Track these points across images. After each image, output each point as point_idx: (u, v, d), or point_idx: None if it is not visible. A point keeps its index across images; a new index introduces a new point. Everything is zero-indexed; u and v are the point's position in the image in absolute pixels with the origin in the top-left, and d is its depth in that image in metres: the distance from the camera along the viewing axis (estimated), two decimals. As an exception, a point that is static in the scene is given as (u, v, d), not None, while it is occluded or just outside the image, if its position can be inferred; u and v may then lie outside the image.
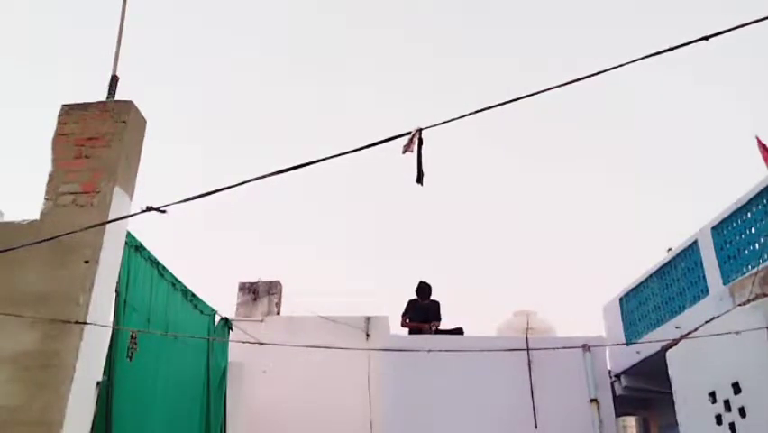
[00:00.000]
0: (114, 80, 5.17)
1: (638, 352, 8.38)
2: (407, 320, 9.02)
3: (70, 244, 4.37)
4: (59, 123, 4.96)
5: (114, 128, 4.89)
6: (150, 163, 5.24)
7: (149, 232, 5.48)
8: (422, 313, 9.02)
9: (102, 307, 4.54)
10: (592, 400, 7.90)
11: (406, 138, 3.03)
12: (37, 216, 4.64)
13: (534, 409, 7.82)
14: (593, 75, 2.75)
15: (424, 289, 9.15)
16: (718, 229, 6.83)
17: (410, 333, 8.99)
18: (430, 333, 8.76)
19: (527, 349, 8.04)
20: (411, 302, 9.19)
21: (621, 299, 9.22)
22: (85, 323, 4.29)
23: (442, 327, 9.06)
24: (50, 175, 4.77)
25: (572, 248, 20.74)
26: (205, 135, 24.20)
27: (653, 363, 7.57)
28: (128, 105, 5.02)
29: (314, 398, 8.69)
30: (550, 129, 21.99)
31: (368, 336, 9.38)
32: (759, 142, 6.59)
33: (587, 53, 18.20)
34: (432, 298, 9.22)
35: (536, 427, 7.73)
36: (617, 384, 9.06)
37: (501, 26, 23.19)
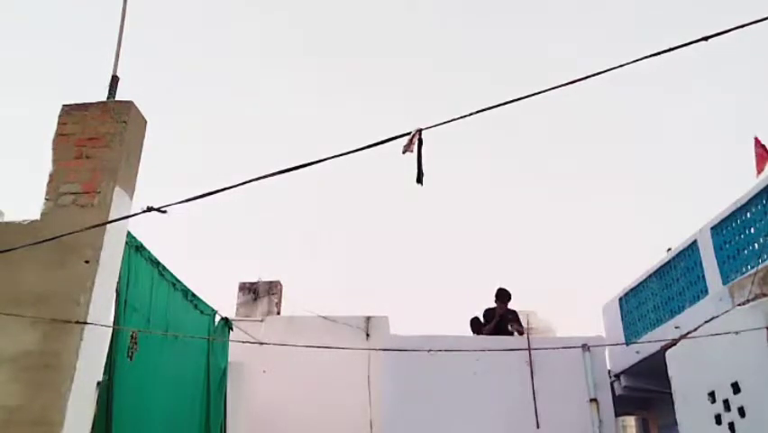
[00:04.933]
0: (114, 80, 5.17)
1: (638, 352, 8.38)
2: (488, 327, 8.83)
3: (71, 244, 4.37)
4: (60, 123, 4.96)
5: (114, 128, 4.89)
6: (150, 163, 5.25)
7: (149, 232, 5.49)
8: (501, 321, 8.91)
9: (102, 307, 4.54)
10: (592, 400, 7.90)
11: (407, 138, 3.03)
12: (37, 216, 4.63)
13: (535, 410, 7.82)
14: (593, 75, 2.76)
15: (505, 294, 9.02)
16: (718, 229, 6.83)
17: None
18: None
19: (528, 349, 8.04)
20: (490, 310, 9.04)
21: (621, 299, 9.21)
22: (85, 323, 4.29)
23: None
24: (50, 175, 4.77)
25: (572, 248, 20.75)
26: (205, 135, 24.19)
27: (653, 363, 7.57)
28: (128, 105, 5.02)
29: (314, 398, 8.69)
30: (550, 129, 21.99)
31: (368, 335, 9.39)
32: (757, 142, 6.60)
33: (587, 54, 18.21)
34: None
35: (538, 426, 7.73)
36: (616, 384, 9.05)
37: (504, 27, 23.19)
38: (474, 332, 9.01)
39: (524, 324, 9.23)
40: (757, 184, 6.21)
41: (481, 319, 9.08)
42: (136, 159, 5.07)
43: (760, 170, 6.41)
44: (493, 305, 9.12)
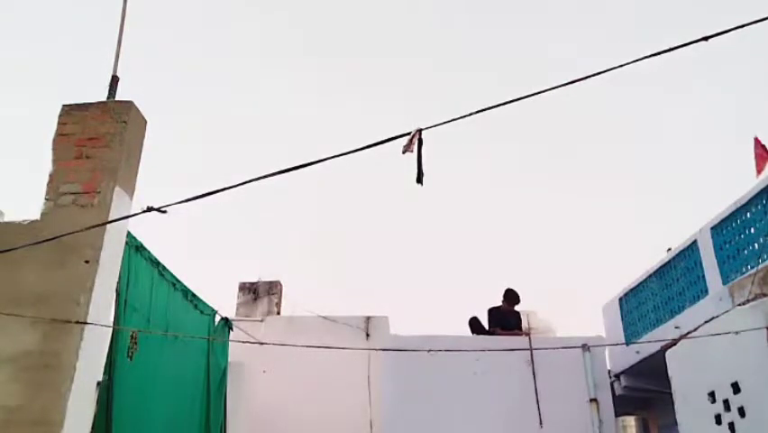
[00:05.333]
0: (114, 80, 5.17)
1: (638, 352, 8.38)
2: (499, 329, 8.81)
3: (71, 244, 4.37)
4: (60, 123, 4.96)
5: (114, 128, 4.89)
6: (150, 163, 5.25)
7: (149, 232, 5.49)
8: (505, 321, 8.92)
9: (102, 307, 4.54)
10: (592, 400, 7.90)
11: (407, 138, 3.04)
12: (37, 216, 4.64)
13: (538, 409, 7.83)
14: (593, 75, 2.76)
15: (514, 295, 9.04)
16: (718, 229, 6.83)
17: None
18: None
19: (529, 349, 8.05)
20: (495, 309, 9.07)
21: (621, 299, 9.21)
22: (85, 323, 4.30)
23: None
24: (50, 175, 4.77)
25: (572, 248, 20.75)
26: (205, 135, 24.20)
27: (653, 363, 7.57)
28: (128, 105, 5.03)
29: (314, 398, 8.69)
30: (550, 129, 22.00)
31: (368, 335, 9.39)
32: (757, 142, 6.59)
33: (587, 54, 18.21)
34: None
35: (541, 426, 7.74)
36: (616, 384, 9.06)
37: (504, 27, 23.19)
38: (474, 332, 9.02)
39: (524, 324, 9.23)
40: (757, 184, 6.21)
41: (480, 319, 9.08)
42: (136, 159, 5.07)
43: (760, 170, 6.41)
44: (496, 303, 9.14)
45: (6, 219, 4.96)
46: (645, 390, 8.90)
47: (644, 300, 8.61)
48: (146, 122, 5.19)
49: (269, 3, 22.49)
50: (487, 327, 9.01)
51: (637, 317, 8.74)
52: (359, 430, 8.61)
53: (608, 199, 22.33)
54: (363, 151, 3.01)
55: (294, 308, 10.18)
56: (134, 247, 5.39)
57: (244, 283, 10.68)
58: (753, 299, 5.55)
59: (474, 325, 9.04)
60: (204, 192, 3.29)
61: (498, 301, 9.16)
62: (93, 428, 4.42)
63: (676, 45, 2.60)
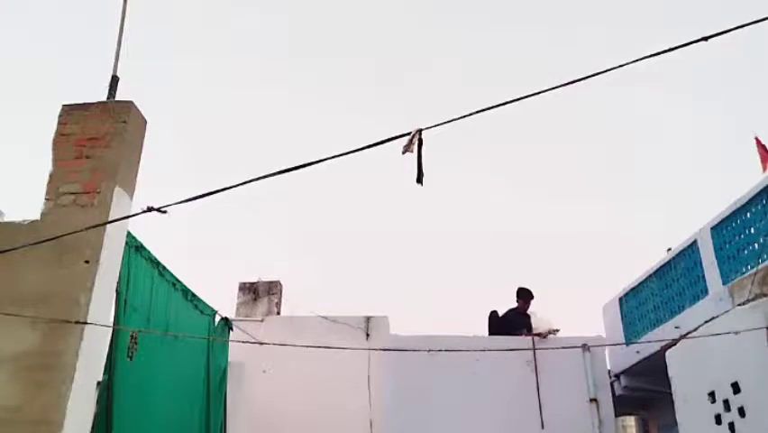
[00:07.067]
0: (115, 80, 5.17)
1: (638, 352, 8.39)
2: (523, 333, 8.73)
3: (71, 244, 4.37)
4: (60, 123, 4.96)
5: (114, 128, 4.89)
6: (150, 163, 5.25)
7: (149, 232, 5.48)
8: (518, 324, 8.92)
9: (102, 307, 4.54)
10: (592, 400, 7.91)
11: (406, 138, 3.03)
12: (37, 216, 4.63)
13: (539, 409, 7.83)
14: (593, 75, 2.76)
15: (527, 292, 9.04)
16: (718, 229, 6.83)
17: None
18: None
19: (529, 349, 8.05)
20: (511, 311, 9.07)
21: (621, 299, 9.22)
22: (85, 323, 4.29)
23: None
24: (50, 175, 4.77)
25: (572, 248, 20.75)
26: (204, 135, 24.21)
27: (653, 363, 7.58)
28: (128, 105, 5.02)
29: (314, 398, 8.68)
30: (549, 130, 22.00)
31: (368, 335, 9.37)
32: (758, 141, 6.61)
33: (585, 54, 18.21)
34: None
35: (543, 427, 7.74)
36: (616, 384, 9.06)
37: (504, 27, 23.20)
38: (491, 327, 8.97)
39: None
40: (757, 184, 6.22)
41: (500, 314, 9.07)
42: (136, 159, 5.07)
43: (766, 168, 6.44)
44: (496, 304, 9.16)
45: (6, 219, 4.96)
46: (645, 390, 8.91)
47: (644, 300, 8.61)
48: (146, 122, 5.19)
49: (270, 3, 22.50)
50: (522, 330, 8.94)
51: (637, 318, 8.74)
52: (359, 430, 8.60)
53: (609, 199, 22.34)
54: (363, 151, 3.01)
55: (294, 308, 10.17)
56: (134, 247, 5.38)
57: (244, 283, 10.66)
58: (753, 299, 5.56)
59: (493, 320, 8.97)
60: (204, 192, 3.29)
61: (498, 301, 9.18)
62: (93, 428, 4.42)
63: (676, 45, 2.60)
